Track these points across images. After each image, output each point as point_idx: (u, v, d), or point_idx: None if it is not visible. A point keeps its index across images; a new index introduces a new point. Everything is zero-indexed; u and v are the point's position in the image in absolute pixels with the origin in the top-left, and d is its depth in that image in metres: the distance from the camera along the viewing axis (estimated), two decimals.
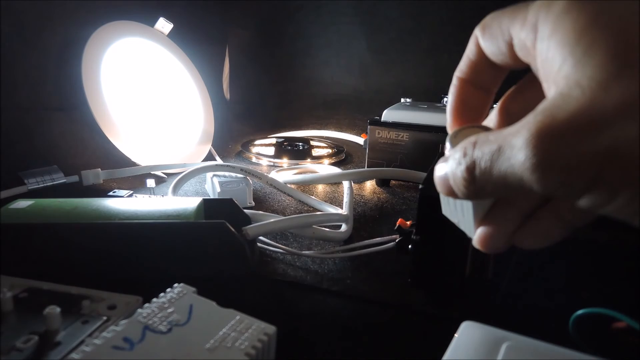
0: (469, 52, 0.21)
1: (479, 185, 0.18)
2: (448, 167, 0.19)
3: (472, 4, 0.94)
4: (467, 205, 0.20)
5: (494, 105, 0.23)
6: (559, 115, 0.15)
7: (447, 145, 0.20)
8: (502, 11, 0.19)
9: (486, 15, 0.20)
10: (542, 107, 0.15)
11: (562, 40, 0.16)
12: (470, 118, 0.22)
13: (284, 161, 0.80)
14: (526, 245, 0.20)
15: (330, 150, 0.85)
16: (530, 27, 0.17)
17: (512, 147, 0.16)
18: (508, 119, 0.22)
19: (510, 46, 0.19)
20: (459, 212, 0.21)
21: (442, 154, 0.21)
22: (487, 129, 0.21)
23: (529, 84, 0.21)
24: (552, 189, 0.15)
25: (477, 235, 0.21)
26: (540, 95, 0.18)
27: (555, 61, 0.16)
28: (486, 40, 0.20)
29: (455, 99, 0.22)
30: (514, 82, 0.22)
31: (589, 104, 0.14)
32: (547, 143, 0.15)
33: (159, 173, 0.68)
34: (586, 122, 0.14)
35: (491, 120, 0.23)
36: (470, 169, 0.18)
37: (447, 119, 0.22)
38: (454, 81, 0.22)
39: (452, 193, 0.19)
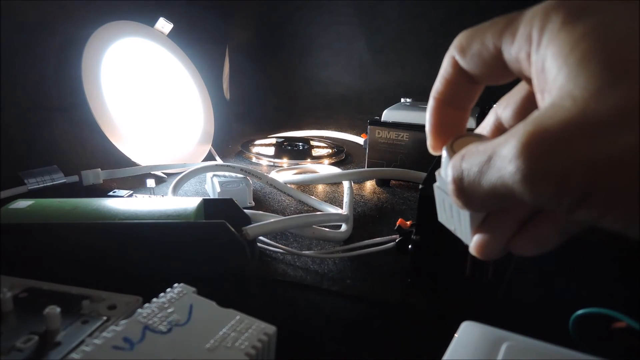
0: (445, 72, 0.21)
1: (468, 196, 0.18)
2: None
3: (472, 4, 0.94)
4: (464, 214, 0.20)
5: (493, 106, 0.23)
6: (550, 124, 0.14)
7: (444, 153, 0.20)
8: (480, 28, 0.19)
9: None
10: (533, 116, 0.15)
11: (557, 51, 0.16)
12: (449, 136, 0.22)
13: (284, 161, 0.80)
14: (522, 252, 0.20)
15: (330, 150, 0.85)
16: (523, 39, 0.17)
17: (502, 157, 0.15)
18: (502, 126, 0.22)
19: (498, 62, 0.19)
20: (456, 220, 0.22)
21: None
22: (483, 137, 0.21)
23: (522, 92, 0.21)
24: (543, 201, 0.15)
25: (473, 242, 0.21)
26: (533, 103, 0.18)
27: (550, 72, 0.16)
28: (468, 59, 0.20)
29: (433, 120, 0.22)
30: (507, 89, 0.22)
31: (581, 113, 0.14)
32: (537, 153, 0.14)
33: (159, 173, 0.68)
34: (577, 131, 0.14)
35: (484, 127, 0.23)
36: (457, 181, 0.18)
37: (427, 139, 0.23)
38: (431, 102, 0.22)
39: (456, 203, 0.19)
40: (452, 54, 0.20)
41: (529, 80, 0.18)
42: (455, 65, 0.20)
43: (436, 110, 0.22)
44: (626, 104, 0.14)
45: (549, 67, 0.16)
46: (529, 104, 0.20)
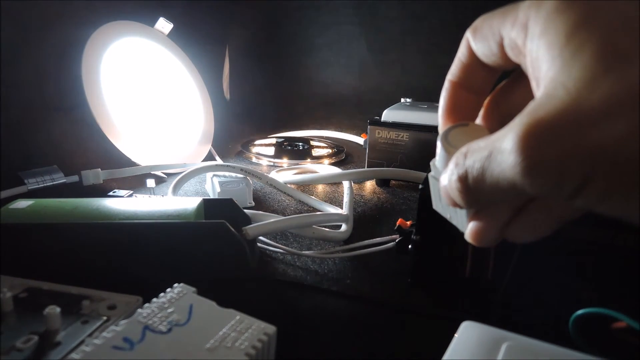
0: (461, 54, 0.21)
1: (474, 193, 0.18)
2: (446, 179, 0.19)
3: (472, 4, 0.94)
4: None
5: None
6: (545, 115, 0.15)
7: (438, 144, 0.20)
8: (493, 13, 0.19)
9: (482, 15, 0.20)
10: (528, 109, 0.15)
11: (551, 40, 0.16)
12: (462, 120, 0.22)
13: (284, 161, 0.80)
14: (517, 239, 0.20)
15: (330, 150, 0.85)
16: (520, 26, 0.17)
17: (501, 151, 0.16)
18: (497, 115, 0.22)
19: (501, 46, 0.19)
20: (451, 208, 0.22)
21: None
22: (476, 126, 0.21)
23: (517, 81, 0.21)
24: (544, 191, 0.15)
25: (468, 229, 0.21)
26: (529, 91, 0.18)
27: (544, 61, 0.16)
28: (477, 41, 0.20)
29: (446, 102, 0.22)
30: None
31: (574, 104, 0.14)
32: (534, 145, 0.15)
33: (159, 173, 0.68)
34: (571, 121, 0.14)
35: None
36: (463, 178, 0.18)
37: (439, 121, 0.23)
38: (446, 84, 0.22)
39: (455, 204, 0.19)
40: (466, 37, 0.20)
41: (526, 68, 0.18)
42: (469, 48, 0.20)
43: (450, 93, 0.22)
44: (617, 92, 0.14)
45: (542, 57, 0.16)
46: (523, 92, 0.20)
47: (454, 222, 0.22)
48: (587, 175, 0.14)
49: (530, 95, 0.18)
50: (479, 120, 0.23)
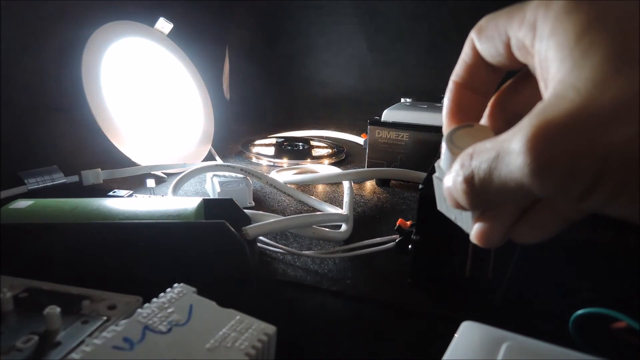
0: (465, 55, 0.21)
1: (480, 195, 0.18)
2: (450, 180, 0.19)
3: (472, 4, 0.94)
4: None
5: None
6: (554, 116, 0.15)
7: (443, 145, 0.20)
8: (498, 13, 0.19)
9: (486, 15, 0.20)
10: (537, 109, 0.15)
11: (560, 41, 0.16)
12: (467, 121, 0.22)
13: (284, 161, 0.80)
14: (523, 240, 0.20)
15: (330, 150, 0.85)
16: (528, 26, 0.17)
17: (509, 153, 0.16)
18: (503, 116, 0.22)
19: (508, 47, 0.19)
20: (456, 209, 0.22)
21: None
22: (481, 127, 0.21)
23: (523, 81, 0.21)
24: (554, 192, 0.15)
25: (474, 230, 0.21)
26: (535, 91, 0.18)
27: (554, 62, 0.16)
28: (483, 42, 0.20)
29: (451, 102, 0.22)
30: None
31: (584, 104, 0.14)
32: (543, 146, 0.15)
33: (159, 173, 0.68)
34: (582, 122, 0.14)
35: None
36: (469, 179, 0.18)
37: (443, 122, 0.22)
38: (450, 85, 0.22)
39: (459, 205, 0.19)
40: (471, 37, 0.20)
41: (533, 68, 0.18)
42: (474, 48, 0.20)
43: (455, 93, 0.22)
44: (627, 93, 0.14)
45: (551, 57, 0.16)
46: (531, 91, 0.20)
47: (459, 223, 0.22)
48: (597, 177, 0.14)
49: (536, 95, 0.18)
50: (484, 121, 0.22)
